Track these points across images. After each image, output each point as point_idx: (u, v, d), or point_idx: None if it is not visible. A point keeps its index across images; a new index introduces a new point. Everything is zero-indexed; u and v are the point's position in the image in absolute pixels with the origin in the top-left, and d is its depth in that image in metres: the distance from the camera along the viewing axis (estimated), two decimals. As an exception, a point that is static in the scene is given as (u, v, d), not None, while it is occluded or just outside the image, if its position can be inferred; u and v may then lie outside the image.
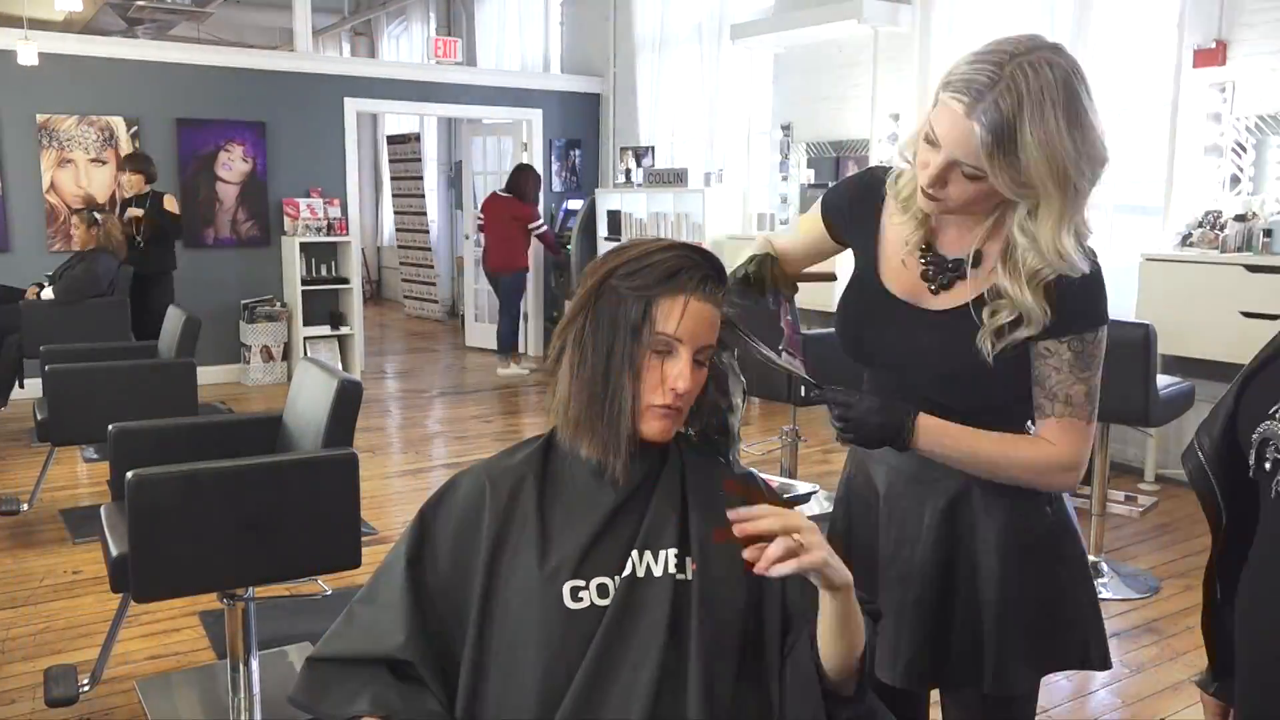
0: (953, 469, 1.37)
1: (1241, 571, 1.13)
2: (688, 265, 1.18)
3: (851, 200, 1.49)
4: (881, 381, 1.45)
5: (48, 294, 5.56)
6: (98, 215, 5.70)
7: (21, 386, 5.69)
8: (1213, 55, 4.54)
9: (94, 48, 6.91)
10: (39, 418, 3.94)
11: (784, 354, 1.46)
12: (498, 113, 8.44)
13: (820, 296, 5.86)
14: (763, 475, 1.35)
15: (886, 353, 1.42)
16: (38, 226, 6.63)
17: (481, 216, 7.82)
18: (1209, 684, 1.25)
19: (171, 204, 6.09)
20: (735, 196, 7.24)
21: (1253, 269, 4.20)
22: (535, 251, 8.51)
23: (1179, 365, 4.33)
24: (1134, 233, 4.98)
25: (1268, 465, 1.04)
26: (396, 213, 12.04)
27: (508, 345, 7.72)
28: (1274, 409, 1.05)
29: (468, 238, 9.13)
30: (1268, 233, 4.27)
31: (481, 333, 9.01)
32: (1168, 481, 4.78)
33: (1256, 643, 1.08)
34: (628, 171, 8.06)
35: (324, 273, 7.57)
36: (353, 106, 7.55)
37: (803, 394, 1.35)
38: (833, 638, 1.10)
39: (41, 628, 3.17)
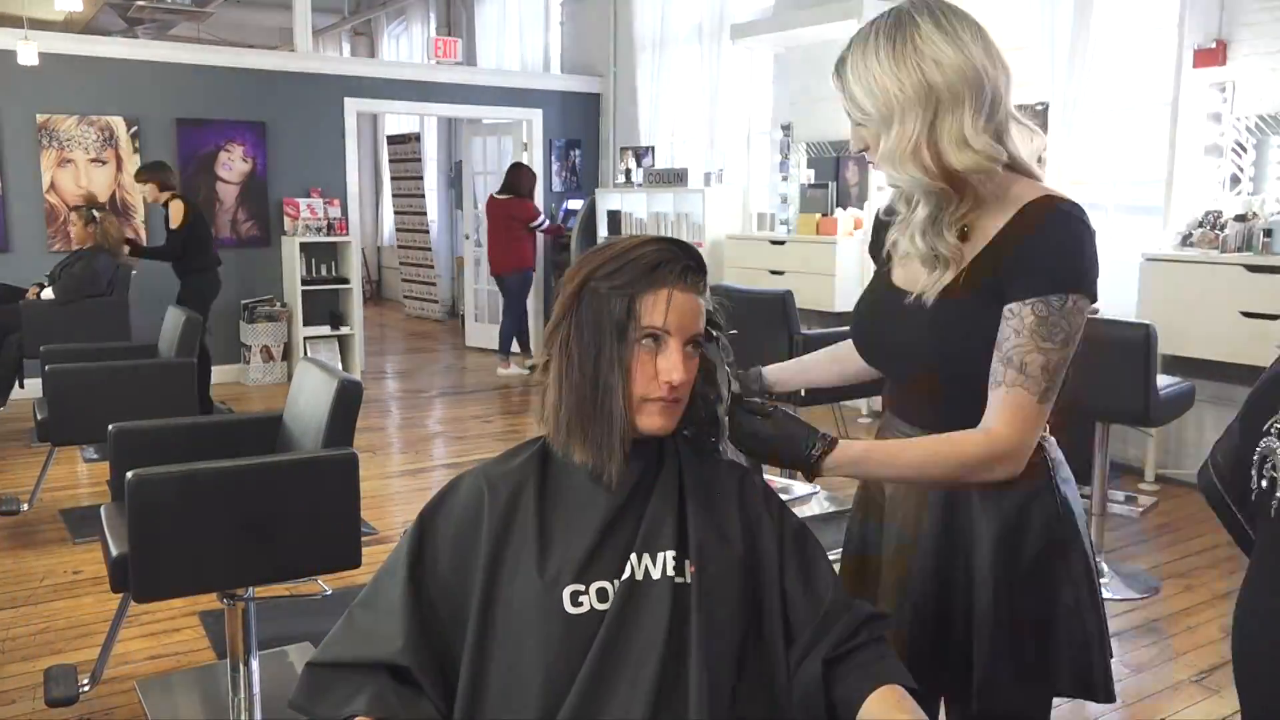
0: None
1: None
2: (667, 258, 1.18)
3: (877, 224, 1.52)
4: (898, 391, 1.44)
5: (48, 294, 5.56)
6: (95, 213, 5.68)
7: (21, 386, 5.69)
8: (1213, 55, 4.54)
9: (94, 48, 6.91)
10: (39, 418, 3.94)
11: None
12: (498, 113, 8.44)
13: (822, 295, 5.88)
14: (763, 476, 1.34)
15: (890, 345, 1.41)
16: (38, 226, 6.63)
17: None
18: None
19: (175, 214, 5.72)
20: (735, 196, 7.24)
21: (1253, 269, 4.20)
22: (538, 251, 8.52)
23: (1179, 365, 4.33)
24: (1134, 233, 4.98)
25: (1264, 482, 1.02)
26: (396, 213, 12.04)
27: (508, 346, 7.72)
28: (1270, 424, 1.04)
29: (468, 238, 9.13)
30: (1268, 233, 4.27)
31: (481, 333, 9.01)
32: (1168, 481, 4.78)
33: (1244, 666, 1.05)
34: (628, 171, 8.06)
35: (324, 273, 7.57)
36: (353, 106, 7.55)
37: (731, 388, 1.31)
38: None
39: (41, 628, 3.17)
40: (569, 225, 8.43)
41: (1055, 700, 1.45)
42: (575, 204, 8.47)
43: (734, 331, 1.32)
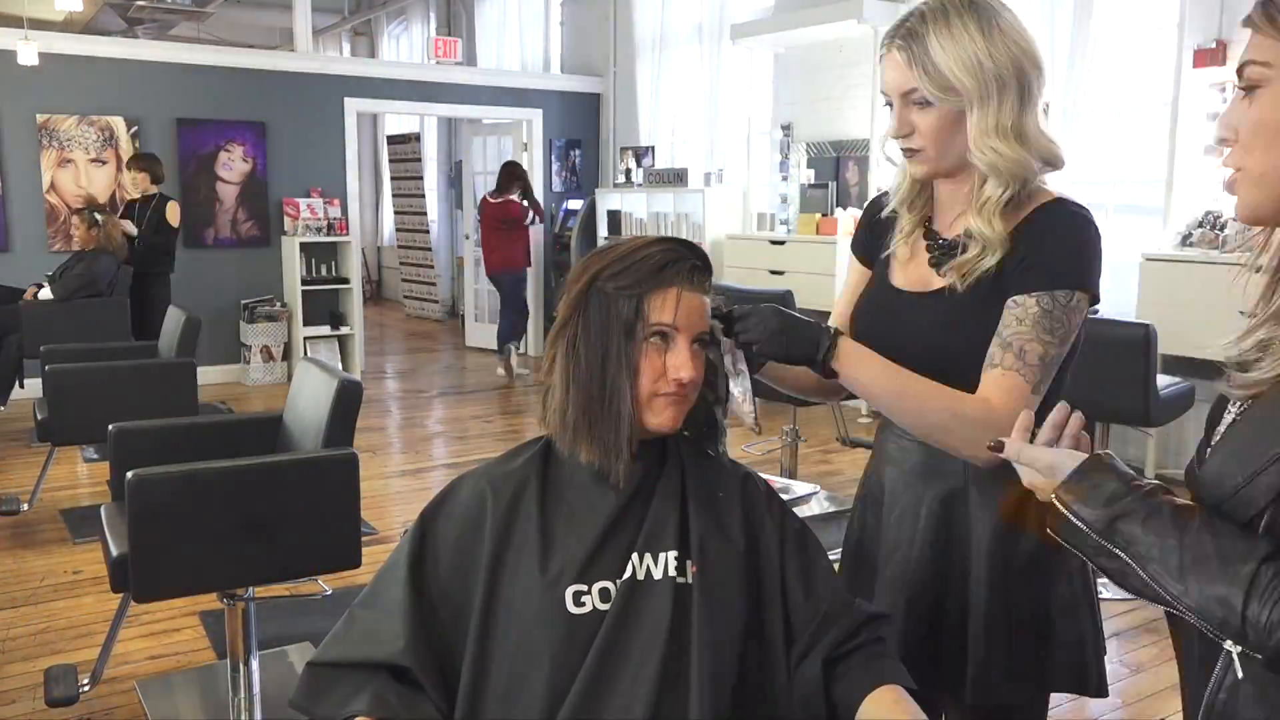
0: (954, 466, 1.35)
1: None
2: (674, 258, 1.19)
3: (869, 224, 1.53)
4: None
5: (45, 294, 5.56)
6: (98, 216, 5.70)
7: (21, 386, 5.70)
8: (1213, 55, 4.54)
9: (94, 48, 6.91)
10: (39, 418, 3.94)
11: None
12: (498, 113, 8.44)
13: (822, 295, 5.88)
14: (763, 476, 1.34)
15: (889, 343, 1.39)
16: (38, 226, 6.63)
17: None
18: None
19: (175, 213, 6.05)
20: (735, 196, 7.24)
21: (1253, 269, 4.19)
22: (536, 250, 8.52)
23: (1179, 365, 4.32)
24: (1134, 233, 4.98)
25: None
26: (396, 213, 12.04)
27: (505, 344, 7.71)
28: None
29: (468, 238, 9.13)
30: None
31: (481, 333, 9.01)
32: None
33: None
34: (628, 171, 8.06)
35: (324, 273, 7.58)
36: (353, 106, 7.56)
37: (721, 312, 1.29)
38: None
39: (41, 628, 3.17)
40: (569, 226, 8.42)
41: (1055, 699, 1.45)
42: (575, 204, 8.47)
43: (714, 305, 1.33)
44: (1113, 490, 0.91)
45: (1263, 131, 0.85)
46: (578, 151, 8.69)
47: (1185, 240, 4.61)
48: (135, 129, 6.83)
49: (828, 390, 1.44)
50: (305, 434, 2.67)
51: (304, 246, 7.31)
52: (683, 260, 1.19)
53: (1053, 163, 1.31)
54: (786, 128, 6.84)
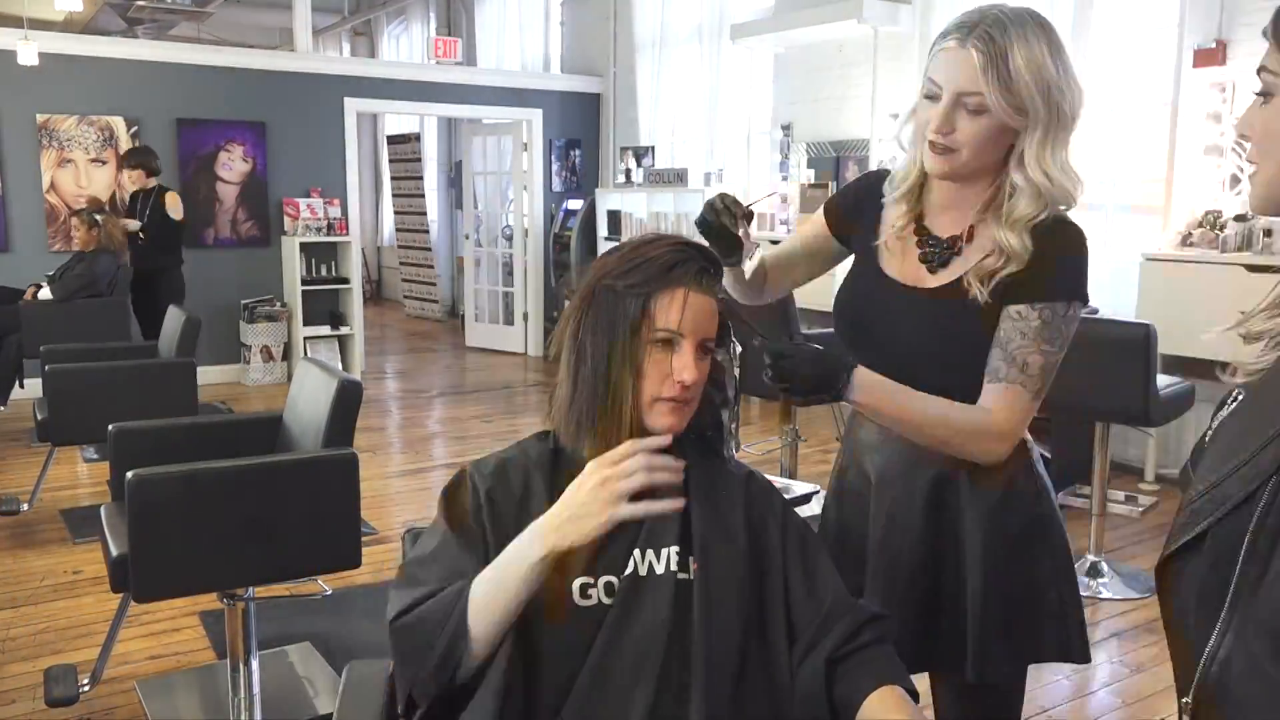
0: (941, 456, 1.39)
1: None
2: (683, 259, 1.19)
3: (858, 195, 1.54)
4: (880, 370, 1.44)
5: (45, 294, 5.56)
6: (98, 216, 5.70)
7: (21, 387, 5.69)
8: (1213, 55, 4.54)
9: (94, 48, 6.91)
10: (39, 418, 3.94)
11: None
12: (498, 113, 8.44)
13: (820, 297, 5.87)
14: (766, 475, 1.34)
15: (883, 336, 1.43)
16: (38, 226, 6.63)
17: None
18: None
19: (174, 203, 6.04)
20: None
21: (1253, 269, 4.20)
22: (535, 250, 8.53)
23: (1179, 365, 4.32)
24: (1134, 233, 4.98)
25: None
26: (396, 213, 12.04)
27: None
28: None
29: (468, 238, 9.14)
30: (1268, 232, 4.28)
31: (482, 333, 9.01)
32: (1168, 481, 4.78)
33: None
34: (628, 171, 8.06)
35: (324, 273, 7.58)
36: (353, 106, 7.55)
37: (755, 344, 1.33)
38: None
39: (41, 628, 3.17)
40: (569, 226, 8.42)
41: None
42: (575, 204, 8.47)
43: (758, 341, 1.34)
44: None
45: (1271, 137, 0.92)
46: (578, 151, 8.69)
47: (1185, 240, 4.61)
48: (135, 129, 6.83)
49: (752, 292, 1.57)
50: (305, 434, 2.67)
51: (304, 246, 7.31)
52: (691, 261, 1.19)
53: (1076, 197, 1.35)
54: (786, 128, 6.84)
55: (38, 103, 6.54)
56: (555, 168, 8.61)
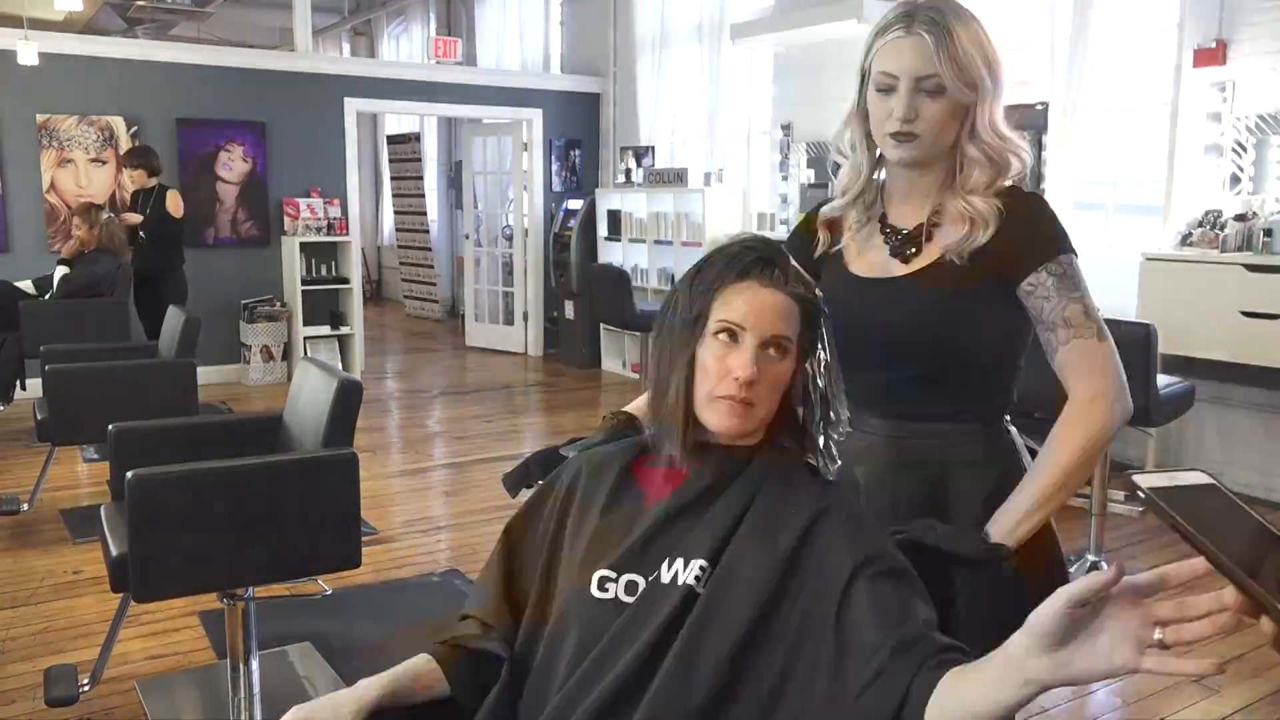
0: (930, 458, 1.41)
1: None
2: (749, 254, 1.18)
3: (809, 224, 1.57)
4: (868, 382, 1.41)
5: (26, 284, 5.57)
6: (100, 215, 5.69)
7: (23, 388, 5.69)
8: (1213, 55, 4.54)
9: (94, 47, 6.92)
10: (39, 418, 3.94)
11: None
12: (498, 112, 8.44)
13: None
14: (868, 515, 1.26)
15: (866, 332, 1.40)
16: (38, 226, 6.63)
17: None
18: None
19: (175, 202, 6.01)
20: (735, 196, 7.24)
21: (1253, 268, 4.20)
22: (535, 250, 8.53)
23: (1179, 365, 4.32)
24: (1134, 232, 4.98)
25: None
26: (396, 213, 12.04)
27: None
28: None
29: (468, 237, 9.14)
30: (1268, 232, 4.27)
31: (482, 333, 9.01)
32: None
33: None
34: (628, 171, 8.06)
35: (324, 273, 7.58)
36: (353, 106, 7.55)
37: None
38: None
39: (41, 628, 3.17)
40: (569, 226, 8.42)
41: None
42: (575, 204, 8.47)
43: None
44: None
45: None
46: (578, 151, 8.69)
47: (1185, 240, 4.61)
48: (135, 129, 6.83)
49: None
50: (305, 434, 2.67)
51: (304, 246, 7.31)
52: (756, 255, 1.18)
53: (1023, 156, 1.41)
54: (786, 127, 6.84)
55: (38, 103, 6.54)
56: (555, 167, 8.61)
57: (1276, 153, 4.43)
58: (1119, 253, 4.85)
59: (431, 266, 11.34)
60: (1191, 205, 4.65)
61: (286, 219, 7.36)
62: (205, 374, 5.63)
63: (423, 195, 11.43)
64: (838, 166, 1.52)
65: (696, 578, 1.12)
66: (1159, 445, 4.77)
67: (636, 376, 7.01)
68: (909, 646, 1.01)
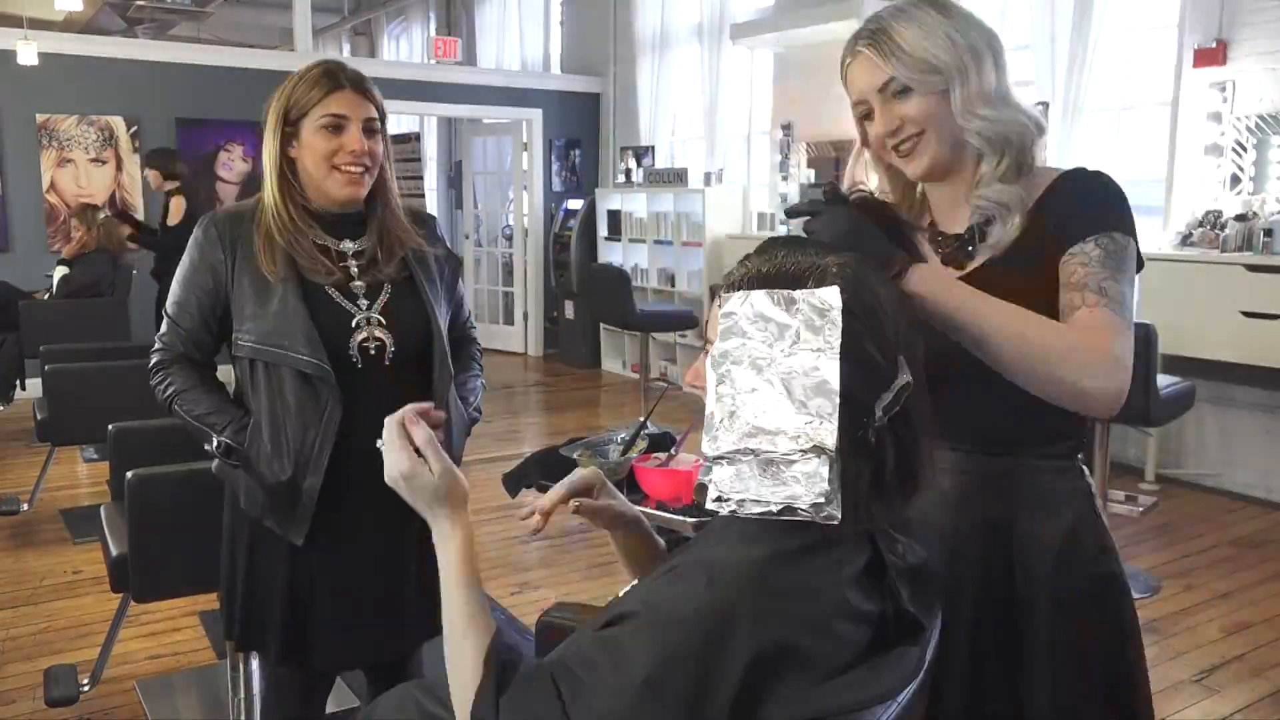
0: (995, 489, 1.28)
1: None
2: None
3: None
4: (939, 406, 1.25)
5: (61, 271, 5.57)
6: (98, 215, 5.70)
7: (23, 388, 5.69)
8: (1213, 55, 4.54)
9: (94, 47, 6.92)
10: (39, 418, 3.94)
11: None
12: (498, 112, 8.44)
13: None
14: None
15: (933, 347, 1.25)
16: (37, 226, 6.63)
17: None
18: None
19: (175, 209, 5.82)
20: (736, 196, 7.24)
21: (1253, 268, 4.20)
22: (535, 250, 8.53)
23: (1179, 365, 4.32)
24: (1134, 232, 4.98)
25: None
26: (396, 212, 12.03)
27: None
28: None
29: (467, 237, 9.14)
30: (1268, 232, 4.27)
31: (481, 333, 8.97)
32: (1168, 481, 4.78)
33: None
34: (628, 171, 8.06)
35: (324, 273, 7.56)
36: (353, 106, 7.53)
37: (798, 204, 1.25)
38: None
39: (41, 628, 3.17)
40: (569, 226, 8.41)
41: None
42: (575, 204, 8.47)
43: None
44: None
45: None
46: (577, 151, 8.69)
47: (1185, 240, 4.61)
48: (135, 129, 6.83)
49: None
50: (305, 434, 2.66)
51: (304, 246, 7.30)
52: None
53: (1040, 125, 1.30)
54: (786, 127, 6.84)
55: (37, 102, 6.54)
56: (555, 167, 8.61)
57: (1277, 153, 4.43)
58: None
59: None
60: (1192, 205, 4.65)
61: (286, 219, 7.35)
62: (205, 374, 5.62)
63: (423, 195, 11.42)
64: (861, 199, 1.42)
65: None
66: (1159, 445, 4.77)
67: (636, 376, 7.00)
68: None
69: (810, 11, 6.02)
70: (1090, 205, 1.25)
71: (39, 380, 4.08)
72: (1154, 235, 4.81)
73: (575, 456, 2.10)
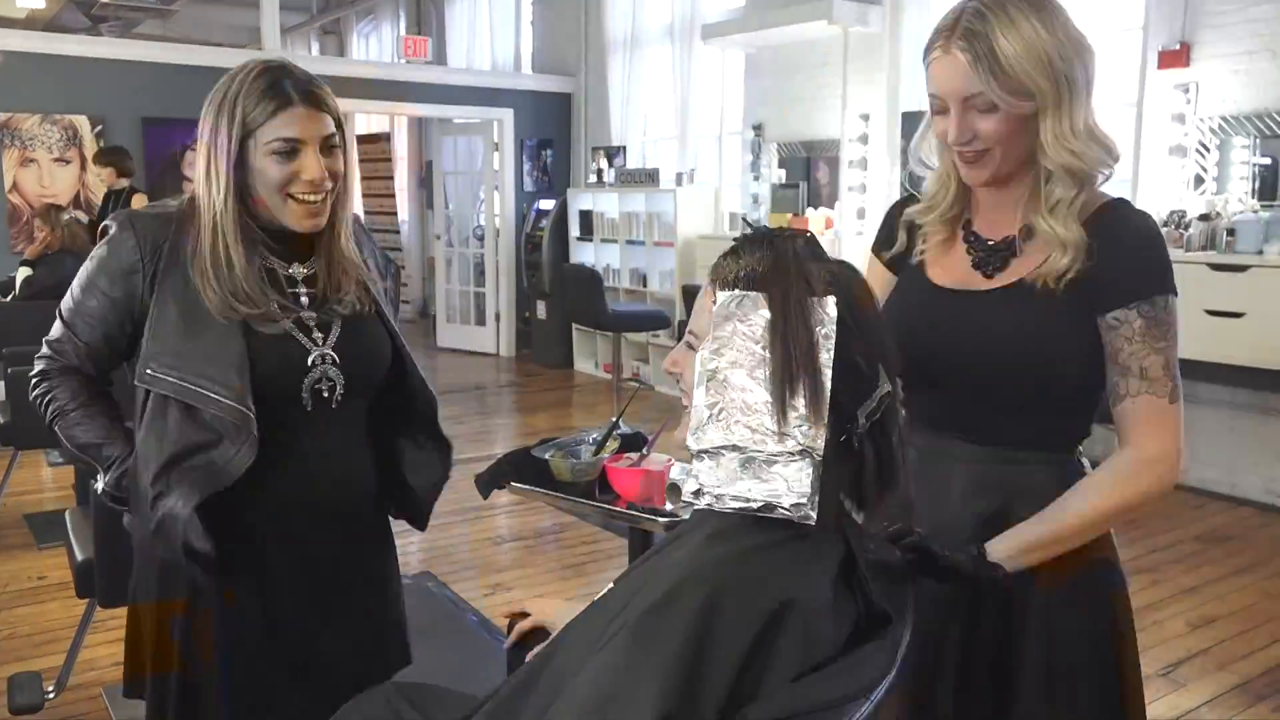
0: (994, 483, 1.30)
1: None
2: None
3: (890, 221, 1.46)
4: (940, 399, 1.33)
5: (24, 272, 5.49)
6: (62, 215, 5.62)
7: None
8: (1177, 57, 4.60)
9: (57, 45, 6.82)
10: (1, 421, 3.88)
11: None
12: (468, 112, 8.41)
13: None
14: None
15: (941, 349, 1.31)
16: (0, 227, 6.53)
17: None
18: None
19: (138, 205, 5.96)
20: (707, 196, 7.26)
21: (1216, 268, 4.26)
22: (507, 250, 8.50)
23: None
24: (1100, 232, 5.04)
25: None
26: (367, 213, 11.94)
27: None
28: None
29: (438, 238, 9.10)
30: (1230, 232, 4.34)
31: (453, 334, 8.97)
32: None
33: None
34: (599, 171, 8.06)
35: (293, 273, 7.50)
36: (322, 106, 7.48)
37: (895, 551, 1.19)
38: None
39: (5, 634, 3.12)
40: (541, 226, 8.39)
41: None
42: (547, 204, 8.46)
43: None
44: None
45: None
46: (549, 151, 8.67)
47: (1150, 239, 4.66)
48: (100, 128, 6.74)
49: None
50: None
51: (273, 247, 7.24)
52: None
53: (1116, 157, 1.27)
54: (758, 128, 6.86)
55: (-1, 101, 6.45)
56: (527, 167, 8.59)
57: (1239, 154, 4.50)
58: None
59: (403, 267, 11.27)
60: (1156, 205, 4.71)
61: (255, 219, 7.29)
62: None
63: (393, 195, 11.36)
64: (910, 177, 1.43)
65: None
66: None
67: (609, 376, 7.00)
68: None
69: (781, 12, 6.05)
70: (1139, 265, 1.24)
71: (1, 383, 4.01)
72: (1120, 235, 4.87)
73: (548, 457, 2.09)
